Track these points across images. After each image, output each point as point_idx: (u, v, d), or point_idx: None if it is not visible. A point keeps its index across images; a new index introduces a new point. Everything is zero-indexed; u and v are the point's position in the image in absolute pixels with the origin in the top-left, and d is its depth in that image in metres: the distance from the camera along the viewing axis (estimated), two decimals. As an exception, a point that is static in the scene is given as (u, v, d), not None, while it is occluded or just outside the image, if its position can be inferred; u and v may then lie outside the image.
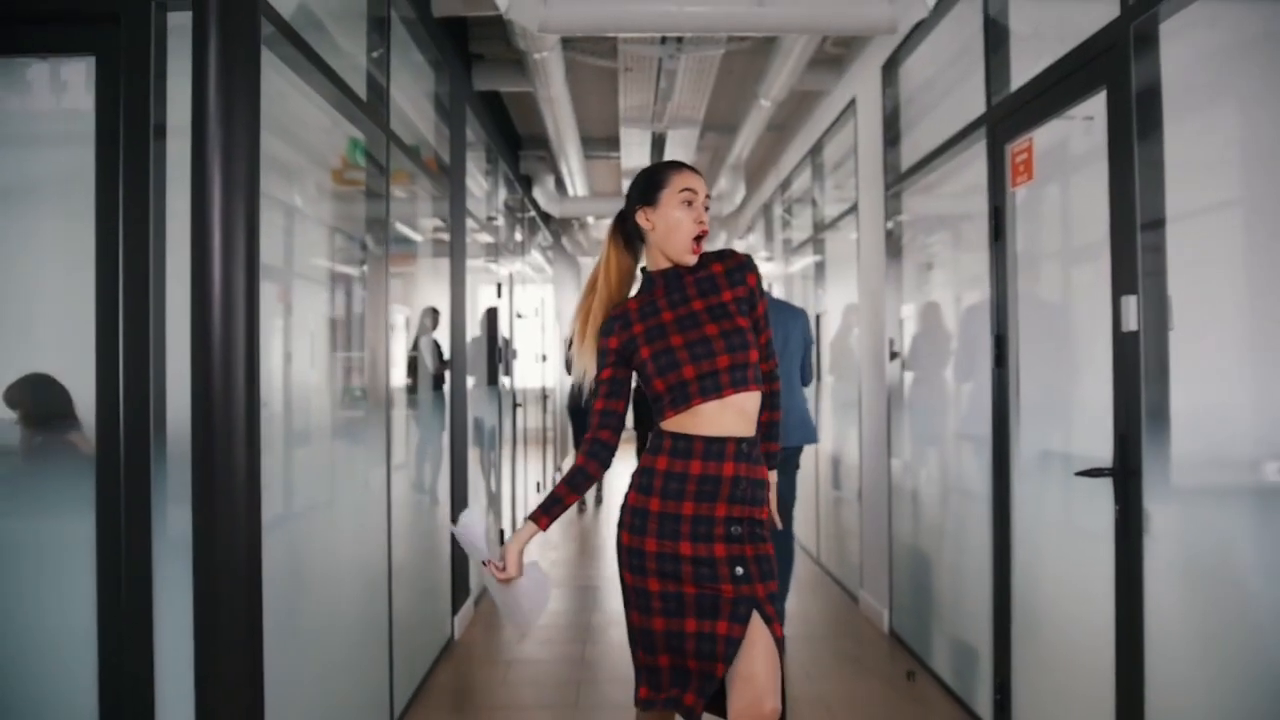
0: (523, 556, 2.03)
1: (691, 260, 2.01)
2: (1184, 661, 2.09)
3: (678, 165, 2.06)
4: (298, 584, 2.51)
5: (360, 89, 3.03)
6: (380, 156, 3.24)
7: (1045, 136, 2.74)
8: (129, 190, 1.98)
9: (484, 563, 2.04)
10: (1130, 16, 2.20)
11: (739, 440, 1.95)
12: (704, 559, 1.93)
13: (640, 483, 2.00)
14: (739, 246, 7.62)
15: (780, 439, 2.25)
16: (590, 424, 2.05)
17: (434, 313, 4.20)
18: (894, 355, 4.24)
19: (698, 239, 2.00)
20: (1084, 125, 2.51)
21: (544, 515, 2.02)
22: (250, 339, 2.02)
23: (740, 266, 2.06)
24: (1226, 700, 1.97)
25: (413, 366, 3.86)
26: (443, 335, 4.29)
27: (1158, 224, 2.17)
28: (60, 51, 2.02)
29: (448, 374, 4.31)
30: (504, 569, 2.01)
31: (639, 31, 3.34)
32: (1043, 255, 2.89)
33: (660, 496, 1.96)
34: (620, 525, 2.03)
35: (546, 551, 6.35)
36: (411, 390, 3.83)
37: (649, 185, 2.04)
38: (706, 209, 2.02)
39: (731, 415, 1.95)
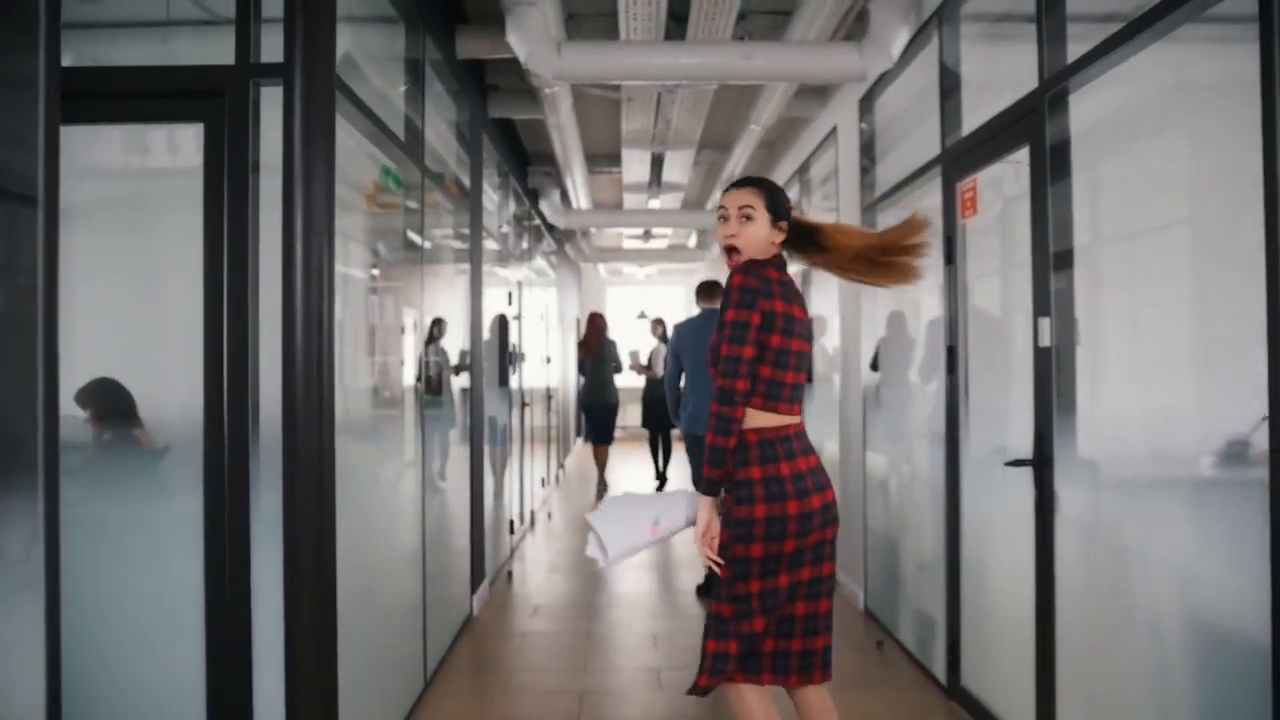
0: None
1: (726, 268, 2.29)
2: (1085, 610, 2.57)
3: (727, 189, 2.35)
4: (354, 563, 2.97)
5: (399, 130, 3.50)
6: (416, 188, 3.71)
7: (990, 173, 3.21)
8: (232, 216, 2.44)
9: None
10: (1045, 88, 2.68)
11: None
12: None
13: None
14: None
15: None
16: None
17: (441, 323, 4.65)
18: (874, 367, 4.71)
19: (727, 250, 2.29)
20: (1015, 169, 2.99)
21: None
22: (326, 343, 2.49)
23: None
24: (1116, 637, 2.45)
25: (427, 370, 4.32)
26: (451, 343, 4.75)
27: (1067, 256, 2.65)
28: (175, 120, 2.50)
29: (455, 378, 4.76)
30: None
31: (641, 80, 3.81)
32: (985, 276, 3.37)
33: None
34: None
35: (553, 541, 6.83)
36: (436, 392, 4.29)
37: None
38: (748, 217, 2.26)
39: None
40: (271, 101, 2.49)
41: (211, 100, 2.45)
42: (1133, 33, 2.25)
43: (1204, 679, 2.14)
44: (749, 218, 2.26)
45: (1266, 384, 1.76)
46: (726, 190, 2.34)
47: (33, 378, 1.24)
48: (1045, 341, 2.67)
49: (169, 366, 2.53)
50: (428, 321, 3.97)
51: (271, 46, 2.50)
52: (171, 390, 2.55)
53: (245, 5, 2.50)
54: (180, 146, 2.52)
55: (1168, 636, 2.25)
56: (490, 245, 5.69)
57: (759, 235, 2.27)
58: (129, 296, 2.62)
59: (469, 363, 4.88)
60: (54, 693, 1.26)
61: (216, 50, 2.53)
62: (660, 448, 8.97)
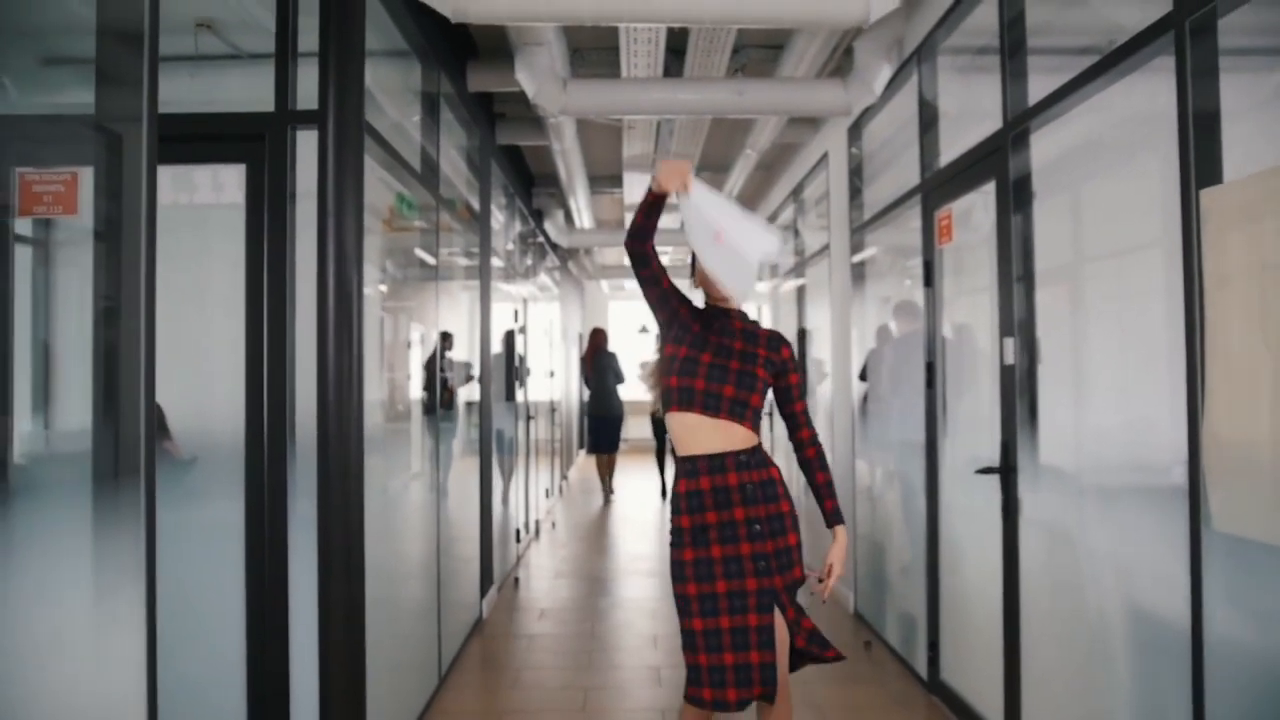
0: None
1: (725, 301, 2.47)
2: (1046, 604, 2.81)
3: None
4: (377, 569, 3.20)
5: (414, 159, 3.76)
6: (431, 214, 3.97)
7: (964, 202, 3.47)
8: (271, 246, 2.70)
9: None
10: (1009, 129, 2.94)
11: (737, 454, 2.39)
12: (731, 558, 2.34)
13: (674, 507, 2.45)
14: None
15: None
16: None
17: (449, 337, 4.89)
18: (864, 377, 4.96)
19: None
20: (984, 199, 3.25)
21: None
22: (357, 363, 2.74)
23: (779, 341, 2.50)
24: (1072, 628, 2.69)
25: (441, 384, 4.57)
26: (458, 357, 4.98)
27: (1030, 280, 2.90)
28: (221, 161, 2.76)
29: (463, 391, 5.00)
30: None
31: (642, 115, 4.08)
32: (960, 297, 3.62)
33: (688, 513, 2.39)
34: (671, 545, 2.43)
35: (557, 549, 7.06)
36: (448, 406, 4.54)
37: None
38: None
39: (721, 435, 2.37)
40: (307, 141, 2.75)
41: (253, 144, 2.71)
42: (1083, 81, 2.52)
43: (1141, 658, 2.38)
44: None
45: (1185, 394, 2.00)
46: None
47: (135, 395, 1.49)
48: (1010, 359, 2.92)
49: (213, 383, 2.77)
50: (439, 338, 4.22)
51: (305, 84, 2.75)
52: (215, 405, 2.78)
53: (284, 50, 2.76)
54: (224, 185, 2.78)
55: (1114, 626, 2.49)
56: (497, 264, 5.96)
57: None
58: (177, 321, 2.86)
59: (477, 375, 5.13)
60: (152, 664, 1.50)
61: (238, 83, 2.79)
62: (666, 459, 9.26)
